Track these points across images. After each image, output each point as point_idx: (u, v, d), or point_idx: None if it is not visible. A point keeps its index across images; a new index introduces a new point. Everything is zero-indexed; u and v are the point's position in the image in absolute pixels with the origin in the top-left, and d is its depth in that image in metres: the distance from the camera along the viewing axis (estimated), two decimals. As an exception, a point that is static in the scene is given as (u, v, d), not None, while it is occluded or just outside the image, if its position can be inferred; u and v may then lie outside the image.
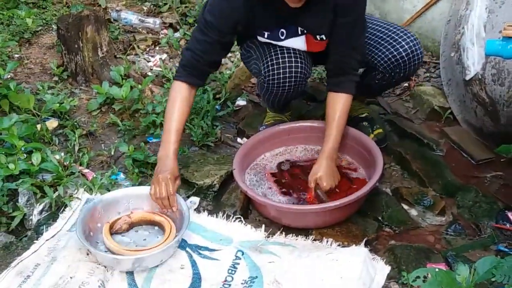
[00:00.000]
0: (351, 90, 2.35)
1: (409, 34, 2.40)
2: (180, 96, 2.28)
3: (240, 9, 2.18)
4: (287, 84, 2.34)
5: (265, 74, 2.34)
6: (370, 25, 2.46)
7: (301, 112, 2.91)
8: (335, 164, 2.33)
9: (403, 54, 2.37)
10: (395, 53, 2.37)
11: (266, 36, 2.34)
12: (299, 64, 2.32)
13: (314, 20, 2.25)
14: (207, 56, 2.27)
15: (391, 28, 2.44)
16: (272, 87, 2.36)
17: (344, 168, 2.47)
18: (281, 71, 2.31)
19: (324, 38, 2.32)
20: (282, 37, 2.32)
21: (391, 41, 2.39)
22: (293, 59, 2.32)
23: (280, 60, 2.31)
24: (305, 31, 2.31)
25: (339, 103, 2.33)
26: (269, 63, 2.33)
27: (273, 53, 2.34)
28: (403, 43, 2.37)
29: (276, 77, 2.32)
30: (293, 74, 2.32)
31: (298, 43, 2.35)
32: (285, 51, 2.33)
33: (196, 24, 2.37)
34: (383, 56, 2.40)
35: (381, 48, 2.40)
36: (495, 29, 2.50)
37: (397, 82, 2.63)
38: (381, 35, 2.43)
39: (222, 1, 2.20)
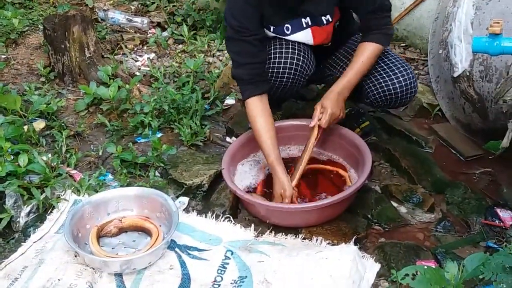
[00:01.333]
0: (382, 42, 2.32)
1: (407, 68, 2.36)
2: (258, 112, 2.29)
3: (255, 2, 2.21)
4: (285, 76, 2.32)
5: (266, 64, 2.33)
6: None
7: (291, 111, 2.90)
8: (343, 101, 2.32)
9: (398, 89, 2.34)
10: (390, 87, 2.34)
11: (272, 30, 2.34)
12: (301, 58, 2.31)
13: (316, 4, 2.26)
14: (258, 58, 2.28)
15: (390, 58, 2.39)
16: (270, 77, 2.34)
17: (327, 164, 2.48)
18: (282, 61, 2.30)
19: (330, 19, 2.31)
20: (288, 32, 2.33)
21: (389, 72, 2.35)
22: (296, 52, 2.31)
23: (284, 52, 2.30)
24: (310, 23, 2.31)
25: (366, 50, 2.31)
26: (272, 55, 2.32)
27: (277, 45, 2.33)
28: (400, 78, 2.33)
29: (276, 66, 2.30)
30: (294, 67, 2.30)
31: (304, 36, 2.35)
32: (290, 44, 2.33)
33: (227, 43, 2.36)
34: (377, 87, 2.37)
35: (376, 78, 2.37)
36: (482, 26, 2.50)
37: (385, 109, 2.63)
38: (378, 65, 2.38)
39: (237, 1, 2.22)
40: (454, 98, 2.79)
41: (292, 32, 2.33)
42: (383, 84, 2.35)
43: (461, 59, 2.62)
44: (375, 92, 2.38)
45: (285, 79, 2.33)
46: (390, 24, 2.36)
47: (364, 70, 2.32)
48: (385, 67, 2.37)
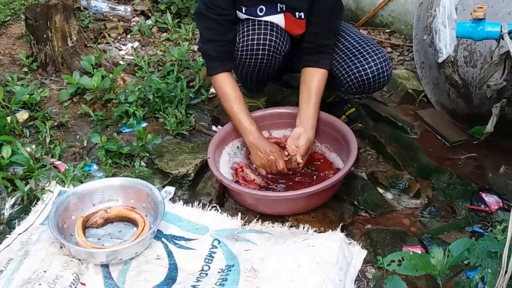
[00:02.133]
0: (327, 66, 2.35)
1: (378, 52, 2.35)
2: (227, 86, 2.34)
3: None
4: (260, 53, 2.30)
5: (239, 42, 2.31)
6: (340, 38, 2.43)
7: (276, 98, 2.89)
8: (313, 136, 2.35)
9: (370, 75, 2.34)
10: (362, 72, 2.34)
11: (244, 11, 2.32)
12: (274, 34, 2.29)
13: None
14: (226, 36, 2.32)
15: (361, 43, 2.39)
16: (245, 57, 2.32)
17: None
18: (256, 37, 2.27)
19: (303, 16, 2.30)
20: (261, 14, 2.31)
21: (360, 58, 2.35)
22: (268, 29, 2.29)
23: (256, 30, 2.29)
24: (284, 9, 2.30)
25: (316, 78, 2.34)
26: (245, 33, 2.30)
27: (250, 25, 2.31)
28: (371, 63, 2.33)
29: (250, 43, 2.28)
30: (267, 42, 2.28)
31: (276, 20, 2.33)
32: (262, 23, 2.31)
33: (196, 17, 2.38)
34: (350, 73, 2.37)
35: (348, 65, 2.37)
36: (466, 11, 2.49)
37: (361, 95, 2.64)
38: (350, 52, 2.38)
39: None
40: (439, 84, 2.79)
41: (266, 15, 2.31)
42: (355, 71, 2.35)
43: (446, 45, 2.62)
44: (348, 79, 2.38)
45: (260, 56, 2.31)
46: (333, 49, 2.40)
47: (319, 99, 2.36)
48: (356, 53, 2.37)
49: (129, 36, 3.73)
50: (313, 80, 2.34)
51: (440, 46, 2.64)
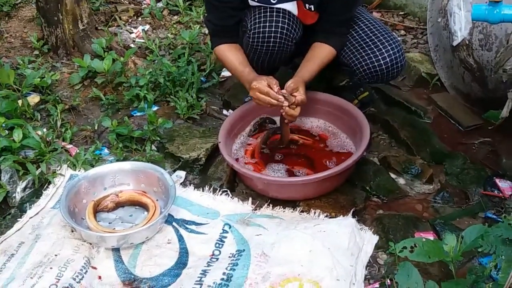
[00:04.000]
0: (337, 46, 2.33)
1: (392, 41, 2.30)
2: (228, 50, 2.37)
3: None
4: (272, 40, 2.27)
5: (250, 29, 2.28)
6: (353, 24, 2.38)
7: (286, 81, 2.85)
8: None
9: (383, 65, 2.29)
10: (375, 63, 2.29)
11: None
12: (286, 21, 2.26)
13: None
14: (226, 22, 2.34)
15: (375, 31, 2.34)
16: (257, 44, 2.30)
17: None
18: (268, 24, 2.25)
19: (313, 9, 2.27)
20: (274, 1, 2.28)
21: (373, 48, 2.30)
22: (281, 16, 2.26)
23: (268, 17, 2.26)
24: None
25: (323, 51, 2.32)
26: (257, 20, 2.27)
27: (262, 11, 2.28)
28: (385, 53, 2.28)
29: (262, 30, 2.25)
30: (279, 30, 2.25)
31: (289, 7, 2.30)
32: (274, 9, 2.28)
33: None
34: (363, 63, 2.32)
35: (361, 55, 2.33)
36: (482, -7, 2.45)
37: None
38: (363, 40, 2.33)
39: None
40: (453, 67, 2.76)
41: (279, 2, 2.28)
42: (368, 61, 2.31)
43: (461, 28, 2.58)
44: (361, 69, 2.34)
45: (271, 43, 2.28)
46: (347, 34, 2.37)
47: (317, 69, 2.32)
48: (369, 42, 2.32)
49: (140, 19, 3.70)
50: (320, 51, 2.32)
51: (455, 28, 2.60)
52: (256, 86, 2.17)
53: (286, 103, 2.15)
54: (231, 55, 2.36)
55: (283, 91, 2.16)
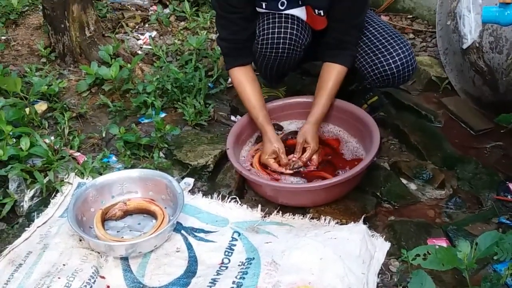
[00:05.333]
0: (347, 63, 2.30)
1: (403, 45, 2.27)
2: (243, 79, 2.34)
3: None
4: (280, 46, 2.26)
5: (259, 35, 2.27)
6: (364, 30, 2.36)
7: (296, 87, 2.85)
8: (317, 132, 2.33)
9: (394, 69, 2.27)
10: (386, 67, 2.27)
11: (264, 6, 2.27)
12: (295, 27, 2.25)
13: None
14: (240, 35, 2.29)
15: (385, 35, 2.31)
16: (265, 50, 2.29)
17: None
18: (276, 30, 2.23)
19: (322, 14, 2.25)
20: (282, 7, 2.26)
21: (384, 52, 2.28)
22: (289, 22, 2.25)
23: (277, 23, 2.25)
24: (305, 2, 2.25)
25: (333, 73, 2.29)
26: (265, 26, 2.26)
27: (270, 17, 2.27)
28: (396, 57, 2.26)
29: (270, 36, 2.25)
30: (288, 36, 2.24)
31: (298, 13, 2.28)
32: (283, 15, 2.26)
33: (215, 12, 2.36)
34: (373, 68, 2.30)
35: (371, 59, 2.30)
36: (492, -5, 2.43)
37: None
38: (373, 44, 2.31)
39: None
40: (463, 71, 2.73)
41: (287, 8, 2.26)
42: (379, 65, 2.29)
43: (470, 30, 2.55)
44: (372, 73, 2.32)
45: (280, 50, 2.27)
46: (356, 45, 2.33)
47: (334, 93, 2.32)
48: (380, 46, 2.29)
49: (147, 25, 3.70)
50: (329, 76, 2.30)
51: (464, 31, 2.58)
52: (264, 162, 2.29)
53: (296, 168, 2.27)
54: (249, 88, 2.33)
55: (291, 159, 2.28)
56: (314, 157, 2.29)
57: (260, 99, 2.33)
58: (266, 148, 2.29)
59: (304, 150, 2.29)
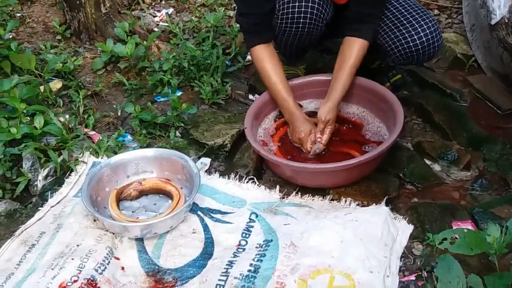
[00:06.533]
0: (368, 38, 2.22)
1: (428, 20, 2.19)
2: (264, 60, 2.28)
3: None
4: (301, 21, 2.18)
5: (279, 9, 2.20)
6: (387, 4, 2.28)
7: (316, 65, 2.77)
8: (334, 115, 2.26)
9: (419, 45, 2.20)
10: (411, 43, 2.20)
11: None
12: (316, 1, 2.16)
13: None
14: (260, 9, 2.23)
15: (409, 9, 2.24)
16: (285, 25, 2.22)
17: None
18: (297, 4, 2.15)
19: None
20: None
21: (408, 27, 2.20)
22: None
23: None
24: None
25: (354, 48, 2.22)
26: (285, 0, 2.19)
27: None
28: (421, 32, 2.18)
29: (291, 10, 2.17)
30: (309, 10, 2.16)
31: None
32: None
33: None
34: (397, 43, 2.23)
35: (395, 35, 2.23)
36: (523, -33, 2.33)
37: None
38: (396, 19, 2.24)
39: None
40: (491, 48, 2.65)
41: None
42: (403, 41, 2.21)
43: (499, 5, 2.46)
44: (395, 50, 2.25)
45: (301, 25, 2.19)
46: (379, 18, 2.25)
47: (355, 70, 2.24)
48: (404, 21, 2.22)
49: (163, 2, 3.65)
50: (350, 50, 2.23)
51: (493, 6, 2.48)
52: (299, 137, 2.24)
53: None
54: (272, 70, 2.29)
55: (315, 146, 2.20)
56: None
57: (284, 79, 2.28)
58: (304, 127, 2.23)
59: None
